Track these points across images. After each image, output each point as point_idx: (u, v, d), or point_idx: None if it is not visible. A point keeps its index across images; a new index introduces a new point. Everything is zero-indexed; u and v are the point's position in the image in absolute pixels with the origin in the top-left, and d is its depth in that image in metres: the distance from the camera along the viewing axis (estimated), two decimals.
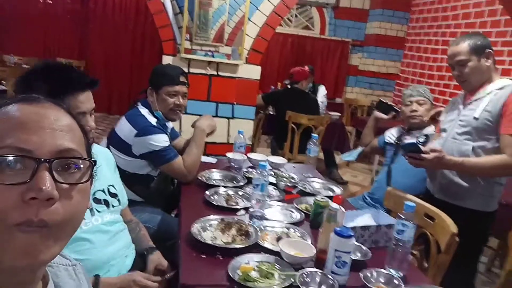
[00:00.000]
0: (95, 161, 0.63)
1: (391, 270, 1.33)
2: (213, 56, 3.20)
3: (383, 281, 1.26)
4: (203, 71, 3.24)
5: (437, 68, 6.03)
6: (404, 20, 6.96)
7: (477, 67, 1.87)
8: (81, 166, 0.61)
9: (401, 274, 1.32)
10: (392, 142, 2.57)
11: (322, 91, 5.26)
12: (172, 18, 3.16)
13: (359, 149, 2.77)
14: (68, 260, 0.74)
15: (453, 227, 1.49)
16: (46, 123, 0.59)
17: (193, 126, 2.18)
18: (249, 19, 3.21)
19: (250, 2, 3.14)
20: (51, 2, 6.70)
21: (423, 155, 1.78)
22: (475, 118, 1.85)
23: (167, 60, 3.19)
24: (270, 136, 5.03)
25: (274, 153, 4.37)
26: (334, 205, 1.37)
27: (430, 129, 2.42)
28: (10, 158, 0.55)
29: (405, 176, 2.32)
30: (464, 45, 1.87)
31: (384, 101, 2.77)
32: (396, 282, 1.23)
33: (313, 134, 2.53)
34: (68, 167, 0.59)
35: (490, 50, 1.88)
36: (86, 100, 1.34)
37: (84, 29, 6.94)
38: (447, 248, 1.48)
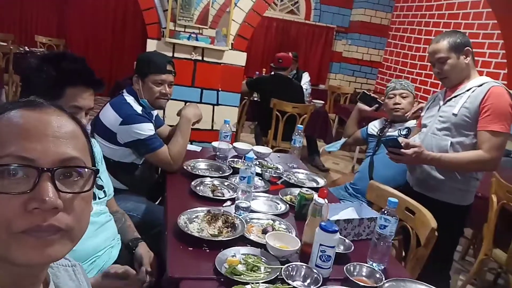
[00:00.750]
0: (98, 170, 0.63)
1: (373, 264, 1.37)
2: (196, 39, 3.16)
3: (365, 274, 1.31)
4: (188, 56, 3.20)
5: (419, 58, 6.11)
6: (388, 8, 6.99)
7: (456, 65, 1.91)
8: (84, 173, 0.61)
9: (382, 267, 1.37)
10: (375, 134, 2.62)
11: (305, 78, 5.28)
12: (157, 0, 3.09)
13: (342, 140, 2.82)
14: (67, 260, 0.74)
15: (433, 222, 1.54)
16: (49, 131, 0.58)
17: (178, 114, 2.17)
18: (235, 4, 3.17)
19: None
20: None
21: (402, 150, 1.83)
22: (454, 115, 1.90)
23: (151, 44, 3.14)
24: (254, 122, 5.03)
25: (258, 140, 4.39)
26: (319, 199, 1.40)
27: (412, 122, 2.48)
28: (12, 166, 0.54)
29: (386, 168, 2.38)
30: (444, 43, 1.91)
31: (368, 93, 2.81)
32: (377, 276, 1.28)
33: (298, 125, 2.56)
34: (71, 175, 0.59)
35: (469, 48, 1.92)
36: (87, 97, 1.35)
37: (63, 6, 6.69)
38: (426, 242, 1.53)
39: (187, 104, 2.27)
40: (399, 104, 2.47)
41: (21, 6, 6.50)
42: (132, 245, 1.51)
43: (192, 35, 3.16)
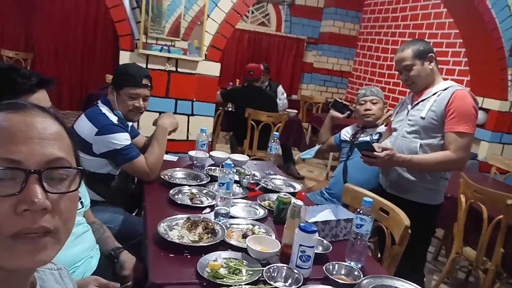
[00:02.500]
0: (84, 170, 0.64)
1: (351, 262, 1.41)
2: (169, 51, 3.17)
3: (343, 272, 1.34)
4: (161, 67, 3.21)
5: (387, 67, 6.32)
6: (356, 19, 7.22)
7: (421, 71, 2.02)
8: (70, 173, 0.62)
9: (360, 265, 1.41)
10: (348, 139, 2.70)
11: (280, 91, 5.34)
12: (130, 12, 3.10)
13: (316, 147, 2.88)
14: (53, 264, 0.74)
15: (406, 220, 1.60)
16: (34, 133, 0.59)
17: (154, 124, 2.17)
18: (208, 16, 3.21)
19: None
20: None
21: (376, 153, 1.90)
22: (422, 118, 2.00)
23: (124, 55, 3.13)
24: (229, 132, 5.05)
25: (233, 149, 4.41)
26: (297, 201, 1.43)
27: (382, 127, 2.57)
28: None
29: (360, 172, 2.44)
30: (408, 51, 2.01)
31: (340, 100, 2.89)
32: (356, 273, 1.31)
33: (275, 133, 2.60)
34: (57, 175, 0.60)
35: (432, 54, 2.03)
36: (38, 101, 1.25)
37: (31, 18, 6.46)
38: (401, 240, 1.59)
39: (163, 113, 2.26)
40: (370, 110, 2.56)
41: None
42: (115, 254, 1.49)
43: (164, 47, 3.17)
